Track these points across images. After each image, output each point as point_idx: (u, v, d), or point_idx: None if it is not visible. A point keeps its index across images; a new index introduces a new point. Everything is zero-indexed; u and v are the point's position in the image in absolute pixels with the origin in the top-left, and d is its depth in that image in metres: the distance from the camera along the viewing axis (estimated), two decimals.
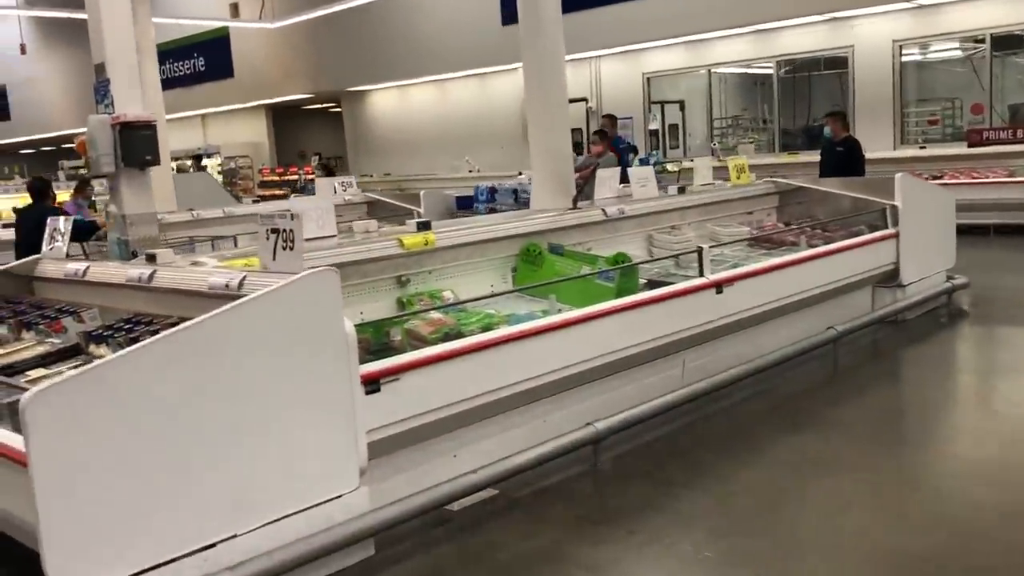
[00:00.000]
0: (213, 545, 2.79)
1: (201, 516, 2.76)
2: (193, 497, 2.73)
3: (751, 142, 14.25)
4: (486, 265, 4.79)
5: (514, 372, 3.69)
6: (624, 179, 6.18)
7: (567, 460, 3.81)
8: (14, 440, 2.64)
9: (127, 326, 3.42)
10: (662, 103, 15.68)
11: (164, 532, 2.68)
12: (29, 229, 6.92)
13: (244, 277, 3.20)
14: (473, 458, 3.64)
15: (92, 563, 2.55)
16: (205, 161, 21.33)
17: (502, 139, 16.44)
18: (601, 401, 4.15)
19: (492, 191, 7.45)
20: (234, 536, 2.83)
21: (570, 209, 5.25)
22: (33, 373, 3.20)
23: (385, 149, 19.54)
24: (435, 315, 3.75)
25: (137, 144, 5.16)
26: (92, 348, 3.40)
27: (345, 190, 9.99)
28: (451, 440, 3.64)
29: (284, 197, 14.26)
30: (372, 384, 3.21)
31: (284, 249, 3.15)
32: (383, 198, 10.22)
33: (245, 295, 3.11)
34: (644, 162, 11.68)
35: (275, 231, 3.17)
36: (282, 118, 22.75)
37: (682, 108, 15.95)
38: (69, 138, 25.09)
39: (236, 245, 6.33)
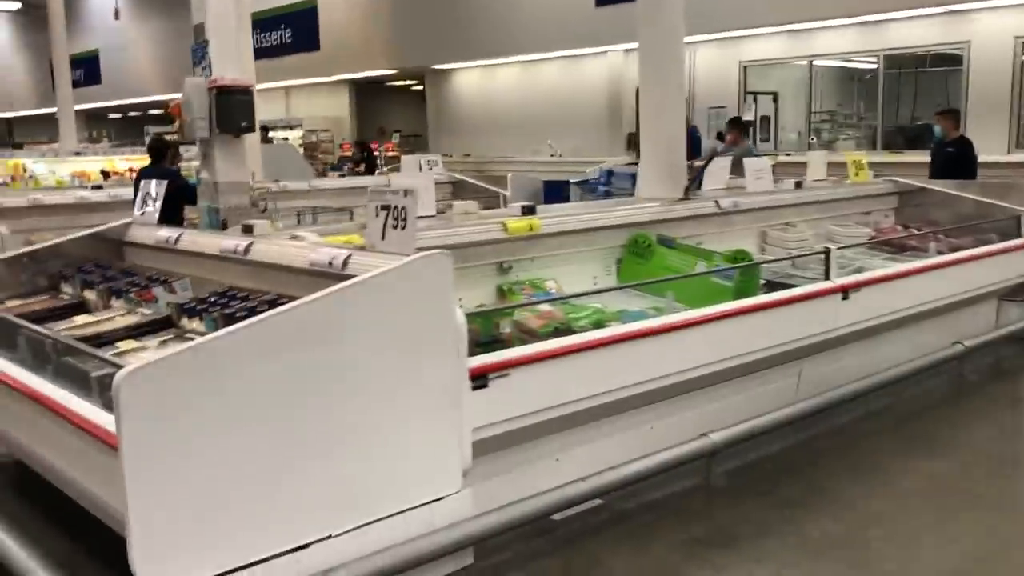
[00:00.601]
0: (307, 546, 2.56)
1: (296, 513, 2.54)
2: (289, 492, 2.51)
3: (850, 138, 13.64)
4: (591, 255, 4.50)
5: (628, 374, 3.39)
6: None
7: (675, 471, 3.51)
8: (102, 419, 2.45)
9: (221, 300, 3.22)
10: (754, 94, 15.13)
11: (257, 529, 2.47)
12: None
13: (349, 256, 2.96)
14: (575, 463, 3.36)
15: (181, 558, 2.35)
16: (287, 133, 21.41)
17: (587, 124, 16.08)
18: (709, 411, 3.82)
19: (610, 173, 7.13)
20: (328, 537, 2.61)
21: (681, 199, 4.91)
22: (122, 345, 3.02)
23: (466, 129, 19.32)
24: (544, 307, 3.47)
25: (233, 109, 5.00)
26: (184, 321, 3.20)
27: (431, 168, 9.79)
28: (553, 442, 3.37)
29: (365, 173, 14.13)
30: (480, 379, 2.95)
31: (395, 228, 2.90)
32: (468, 179, 9.98)
33: (350, 275, 2.89)
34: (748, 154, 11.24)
35: (385, 208, 2.93)
36: (364, 94, 22.72)
37: (775, 100, 15.39)
38: (155, 104, 25.55)
39: (352, 218, 6.07)
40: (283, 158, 13.04)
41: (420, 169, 9.85)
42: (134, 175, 11.92)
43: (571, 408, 3.26)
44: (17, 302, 3.95)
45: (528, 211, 4.21)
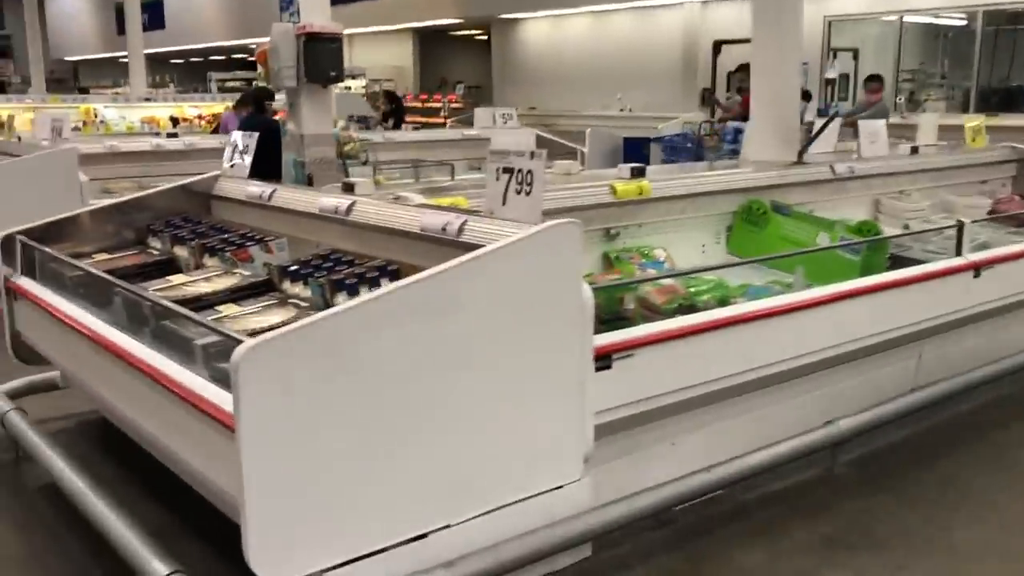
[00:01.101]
0: (425, 535, 2.38)
1: (415, 500, 2.35)
2: (408, 478, 2.33)
3: (939, 99, 13.00)
4: (700, 222, 4.22)
5: (756, 356, 3.14)
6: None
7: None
8: (213, 394, 2.28)
9: (325, 264, 3.02)
10: (834, 51, 14.48)
11: (375, 517, 2.29)
12: None
13: (465, 222, 2.74)
14: (691, 447, 3.14)
15: (297, 549, 2.18)
16: (350, 83, 21.18)
17: (660, 79, 15.58)
18: (824, 396, 3.55)
19: (737, 132, 6.79)
20: (447, 526, 2.42)
21: (795, 163, 4.59)
22: (224, 309, 2.85)
23: (531, 82, 18.89)
24: (667, 281, 3.22)
25: (322, 57, 4.78)
26: (286, 285, 3.02)
27: (505, 122, 9.51)
28: (669, 426, 3.14)
29: (441, 125, 13.88)
30: (604, 360, 2.72)
31: (519, 193, 2.66)
32: (543, 134, 9.66)
33: (466, 243, 2.67)
34: (823, 113, 10.75)
35: (508, 171, 2.69)
36: (428, 43, 22.36)
37: (855, 57, 14.73)
38: (218, 50, 25.47)
39: (452, 175, 5.80)
40: (351, 109, 12.85)
41: (494, 122, 9.58)
42: (203, 122, 11.87)
43: (694, 391, 3.03)
44: (104, 256, 3.81)
45: (637, 173, 3.94)
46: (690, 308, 3.10)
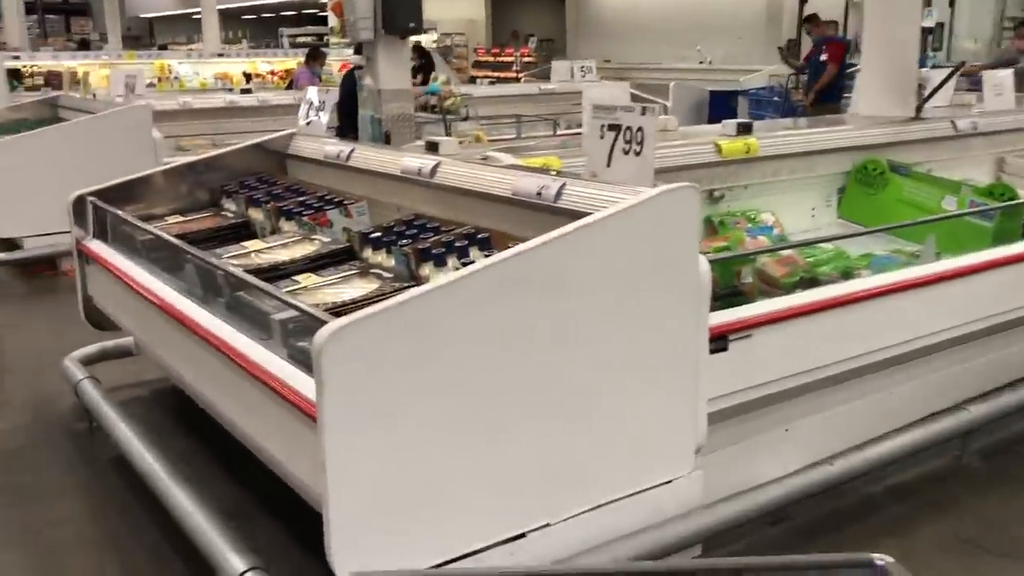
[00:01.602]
0: (523, 535, 2.16)
1: (513, 497, 2.12)
2: (506, 473, 2.09)
3: None
4: (810, 183, 3.87)
5: (883, 334, 2.82)
6: None
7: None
8: (293, 377, 2.07)
9: (409, 231, 2.79)
10: None
11: (470, 516, 2.07)
12: (342, 99, 5.39)
13: (563, 186, 2.47)
14: (806, 433, 2.85)
15: (383, 550, 1.97)
16: (421, 37, 20.87)
17: (742, 29, 14.94)
18: (952, 376, 3.20)
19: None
20: (547, 525, 2.19)
21: (913, 119, 4.18)
22: (302, 279, 2.64)
23: (606, 34, 18.35)
24: (785, 252, 2.91)
25: (400, 8, 4.51)
26: (368, 253, 2.79)
27: (584, 76, 9.14)
28: (783, 411, 2.84)
29: (514, 80, 13.53)
30: (719, 341, 2.44)
31: (626, 153, 2.37)
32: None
33: (566, 209, 2.40)
34: (921, 65, 10.09)
35: (614, 128, 2.40)
36: None
37: (951, 4, 13.86)
38: (289, 5, 25.33)
39: (555, 130, 5.42)
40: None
41: (572, 76, 9.22)
42: (275, 78, 11.74)
43: (816, 375, 2.73)
44: (178, 218, 3.64)
45: (744, 130, 3.60)
46: (811, 282, 2.79)
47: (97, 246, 3.48)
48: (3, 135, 6.17)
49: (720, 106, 8.83)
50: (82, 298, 3.62)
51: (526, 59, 17.82)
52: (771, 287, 2.73)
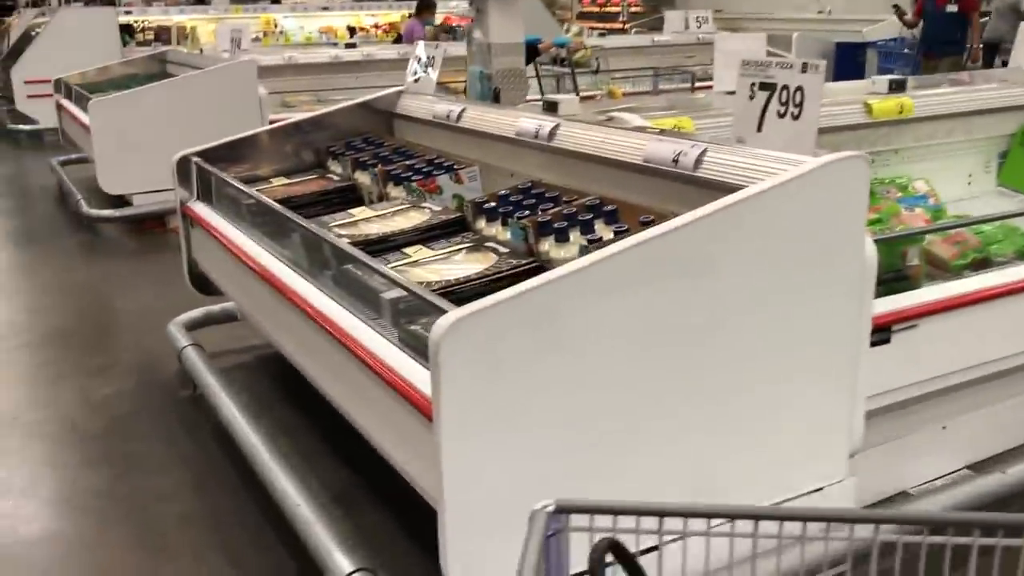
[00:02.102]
0: (654, 548, 1.92)
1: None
2: (640, 480, 1.86)
3: None
4: (967, 147, 3.46)
5: None
6: None
7: None
8: (405, 367, 1.87)
9: (527, 200, 2.56)
10: None
11: None
12: None
13: (703, 152, 2.19)
14: (964, 431, 2.54)
15: (505, 560, 1.77)
16: None
17: None
18: None
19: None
20: (680, 537, 1.95)
21: None
22: (412, 252, 2.45)
23: None
24: (954, 230, 2.56)
25: None
26: (481, 224, 2.58)
27: (699, 26, 8.68)
28: (941, 407, 2.53)
29: (620, 31, 13.07)
30: (882, 332, 2.14)
31: (782, 116, 2.07)
32: None
33: (704, 178, 2.14)
34: None
35: (767, 87, 2.10)
36: None
37: None
38: None
39: (693, 85, 5.02)
40: (525, 14, 12.22)
41: (686, 27, 8.77)
42: (379, 31, 11.59)
43: (984, 369, 2.40)
44: (282, 181, 3.50)
45: (897, 87, 3.22)
46: (982, 263, 2.44)
47: (201, 209, 3.37)
48: (115, 91, 6.20)
49: (846, 59, 8.25)
50: (186, 261, 3.53)
51: (633, 9, 17.21)
52: (939, 270, 2.40)
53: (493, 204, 2.56)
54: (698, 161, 2.19)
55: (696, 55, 7.92)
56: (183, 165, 3.47)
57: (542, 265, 2.27)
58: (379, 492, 2.63)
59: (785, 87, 2.05)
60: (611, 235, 2.25)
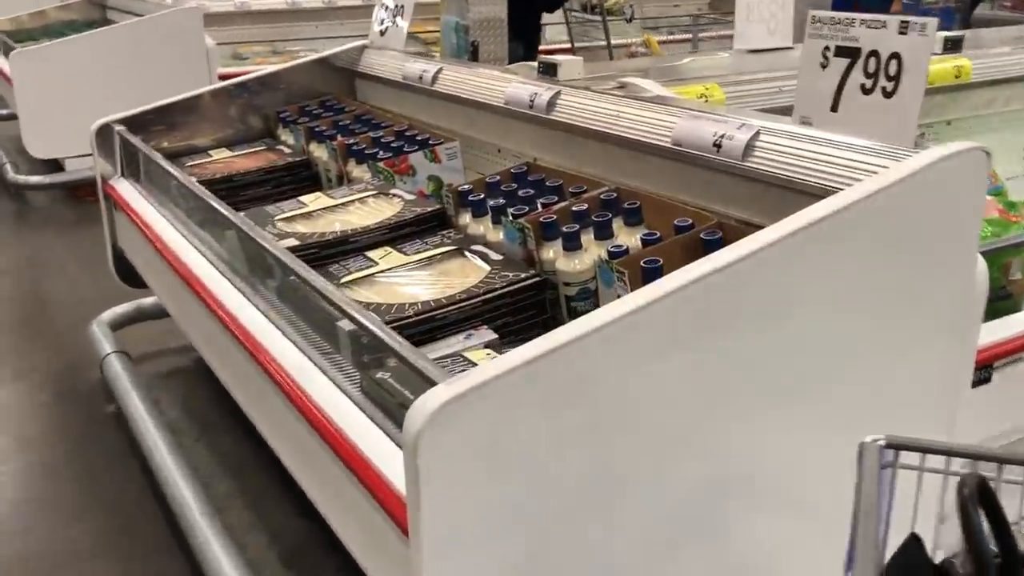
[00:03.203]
0: None
1: None
2: None
3: None
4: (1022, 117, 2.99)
5: None
6: None
7: None
8: (369, 439, 1.37)
9: (522, 190, 2.04)
10: None
11: None
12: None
13: (756, 135, 1.69)
14: None
15: None
16: None
17: None
18: None
19: None
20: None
21: None
22: (379, 257, 1.93)
23: None
24: None
25: None
26: (466, 220, 2.06)
27: None
28: None
29: None
30: (983, 370, 1.67)
31: (867, 93, 1.56)
32: None
33: (753, 168, 1.65)
34: None
35: (846, 53, 1.59)
36: None
37: None
38: None
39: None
40: None
41: None
42: None
43: None
44: (225, 154, 2.96)
45: (952, 46, 2.72)
46: None
47: (124, 189, 2.81)
48: (46, 39, 5.54)
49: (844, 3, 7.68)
50: (111, 249, 2.97)
51: None
52: None
53: (480, 195, 2.04)
54: (749, 148, 1.69)
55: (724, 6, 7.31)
56: (104, 134, 2.90)
57: (546, 280, 1.77)
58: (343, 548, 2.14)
59: (874, 53, 1.55)
60: (636, 242, 1.75)
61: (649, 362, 1.20)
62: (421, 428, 1.05)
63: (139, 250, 2.67)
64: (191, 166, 2.83)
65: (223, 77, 4.94)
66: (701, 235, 1.61)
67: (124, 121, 2.92)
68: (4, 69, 5.51)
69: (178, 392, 2.85)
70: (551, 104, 2.22)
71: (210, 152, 2.97)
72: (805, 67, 1.67)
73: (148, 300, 3.13)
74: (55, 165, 5.23)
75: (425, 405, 1.06)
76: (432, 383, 1.15)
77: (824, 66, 1.63)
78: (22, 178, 5.07)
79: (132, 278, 2.96)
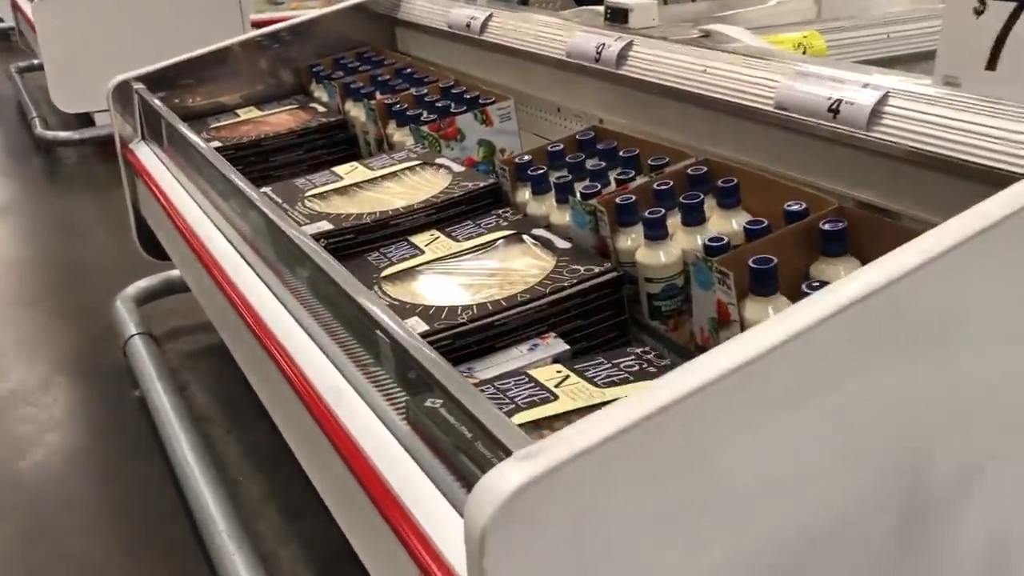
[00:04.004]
0: None
1: None
2: None
3: None
4: None
5: None
6: None
7: None
8: (419, 498, 1.10)
9: (588, 161, 1.74)
10: None
11: None
12: None
13: (884, 98, 1.37)
14: None
15: None
16: None
17: None
18: None
19: None
20: None
21: None
22: (424, 243, 1.65)
23: None
24: None
25: None
26: (524, 196, 1.77)
27: None
28: None
29: None
30: None
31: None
32: None
33: (881, 141, 1.34)
34: None
35: None
36: None
37: None
38: None
39: None
40: None
41: None
42: None
43: None
44: (253, 113, 2.69)
45: None
46: None
47: (145, 154, 2.56)
48: None
49: None
50: (134, 220, 2.74)
51: None
52: None
53: (541, 167, 1.74)
54: (875, 115, 1.37)
55: None
56: (123, 92, 2.65)
57: (623, 275, 1.48)
58: None
59: None
60: (734, 229, 1.45)
61: (787, 413, 0.91)
62: (488, 523, 0.78)
63: (160, 222, 2.43)
64: (216, 128, 2.57)
65: (256, 24, 4.67)
66: (821, 225, 1.30)
67: (144, 78, 2.67)
68: (30, 16, 5.27)
69: (208, 375, 2.64)
70: (622, 57, 1.91)
71: (238, 111, 2.71)
72: (952, 13, 1.34)
73: (176, 272, 2.90)
74: (87, 119, 5.01)
75: (493, 490, 0.79)
76: (499, 448, 0.89)
77: (979, 12, 1.30)
78: (51, 134, 4.87)
79: (157, 249, 2.73)
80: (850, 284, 0.94)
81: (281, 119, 2.59)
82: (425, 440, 1.18)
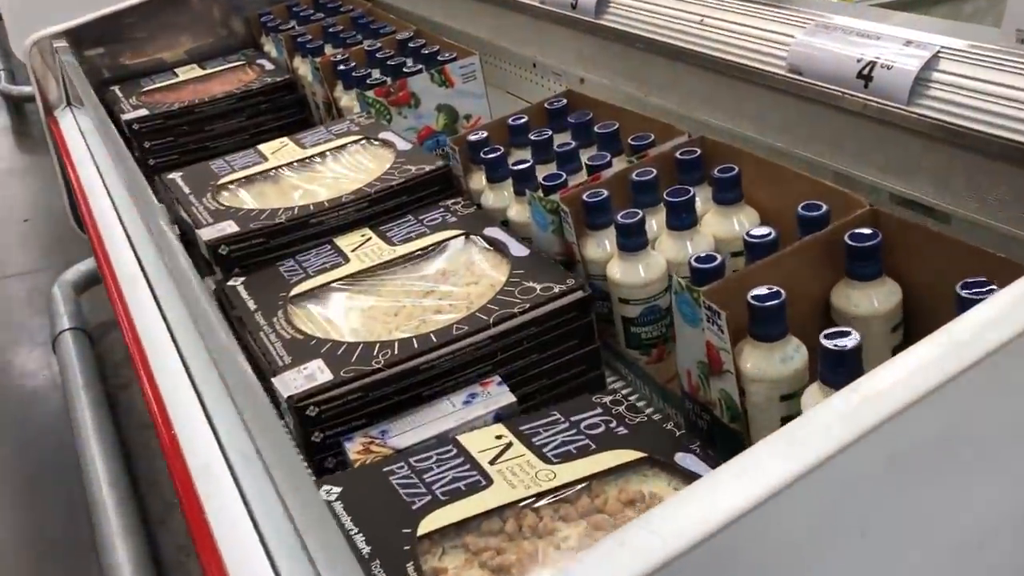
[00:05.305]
0: None
1: None
2: None
3: None
4: None
5: None
6: None
7: None
8: None
9: (559, 138, 1.40)
10: None
11: None
12: None
13: (930, 60, 1.03)
14: None
15: None
16: None
17: None
18: None
19: None
20: None
21: None
22: (350, 247, 1.33)
23: None
24: None
25: None
26: (479, 185, 1.43)
27: None
28: None
29: None
30: None
31: None
32: None
33: (939, 121, 1.01)
34: None
35: None
36: None
37: None
38: None
39: None
40: None
41: None
42: None
43: None
44: (195, 73, 2.35)
45: None
46: None
47: (68, 124, 2.24)
48: None
49: None
50: (67, 194, 2.44)
51: None
52: None
53: (498, 149, 1.40)
54: (919, 83, 1.03)
55: None
56: (46, 51, 2.33)
57: (591, 295, 1.15)
58: None
59: None
60: (732, 232, 1.12)
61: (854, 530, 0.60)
62: None
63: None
64: (148, 91, 2.24)
65: None
66: (847, 239, 0.97)
67: (71, 32, 2.33)
68: None
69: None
70: (602, 3, 1.56)
71: (176, 71, 2.37)
72: None
73: None
74: None
75: None
76: None
77: None
78: (16, 88, 4.55)
79: None
80: (941, 366, 0.61)
81: (224, 80, 2.26)
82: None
